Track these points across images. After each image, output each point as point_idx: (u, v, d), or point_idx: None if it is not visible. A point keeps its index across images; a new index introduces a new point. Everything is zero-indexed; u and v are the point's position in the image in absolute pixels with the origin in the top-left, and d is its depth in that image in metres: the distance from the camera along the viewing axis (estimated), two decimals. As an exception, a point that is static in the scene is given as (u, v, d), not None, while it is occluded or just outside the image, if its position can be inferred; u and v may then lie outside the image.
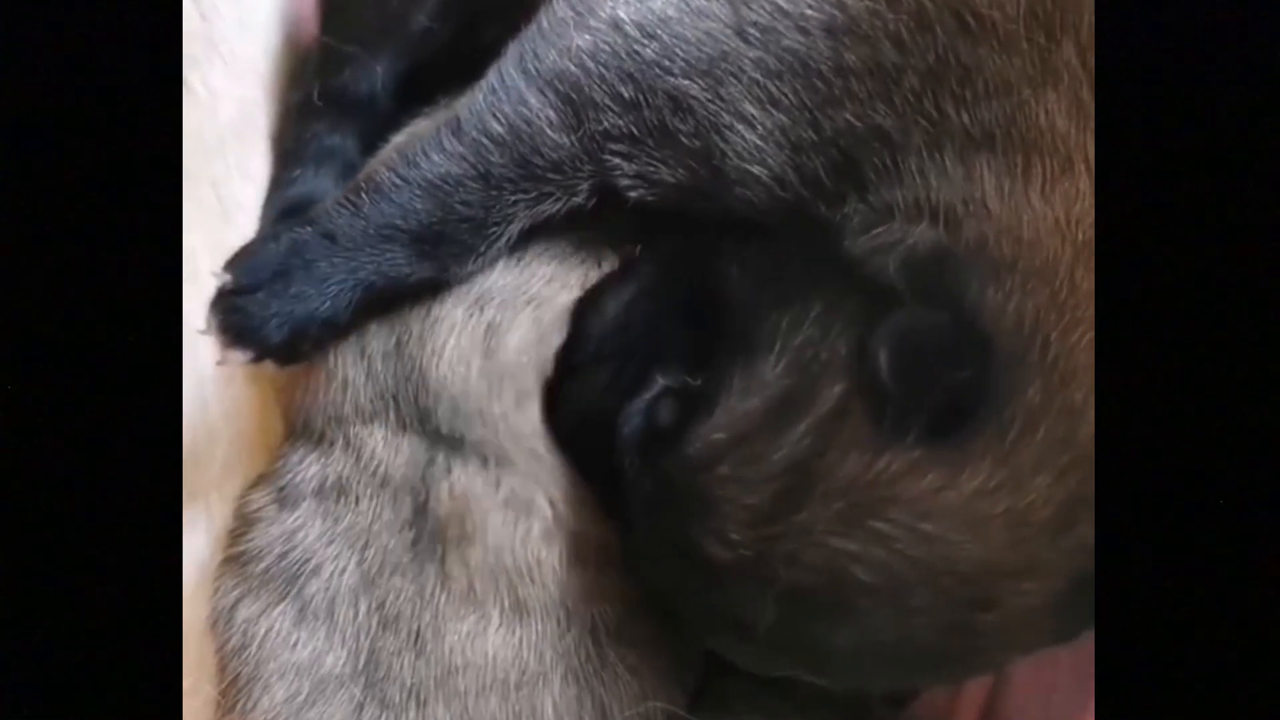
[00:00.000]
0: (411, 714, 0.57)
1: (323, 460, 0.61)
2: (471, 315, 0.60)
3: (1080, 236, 0.49)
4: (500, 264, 0.60)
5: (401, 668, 0.58)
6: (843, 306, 0.53)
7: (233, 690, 0.59)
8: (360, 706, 0.58)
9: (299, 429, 0.63)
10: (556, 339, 0.60)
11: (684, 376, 0.57)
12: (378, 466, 0.60)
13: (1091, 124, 0.50)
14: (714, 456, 0.54)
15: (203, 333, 0.58)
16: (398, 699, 0.58)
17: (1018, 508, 0.49)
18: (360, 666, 0.58)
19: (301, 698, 0.58)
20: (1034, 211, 0.50)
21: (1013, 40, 0.51)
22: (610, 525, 0.60)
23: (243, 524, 0.62)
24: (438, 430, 0.59)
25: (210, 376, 0.64)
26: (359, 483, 0.60)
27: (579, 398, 0.60)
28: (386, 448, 0.60)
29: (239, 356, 0.58)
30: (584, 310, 0.60)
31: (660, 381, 0.57)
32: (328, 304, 0.58)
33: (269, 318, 0.58)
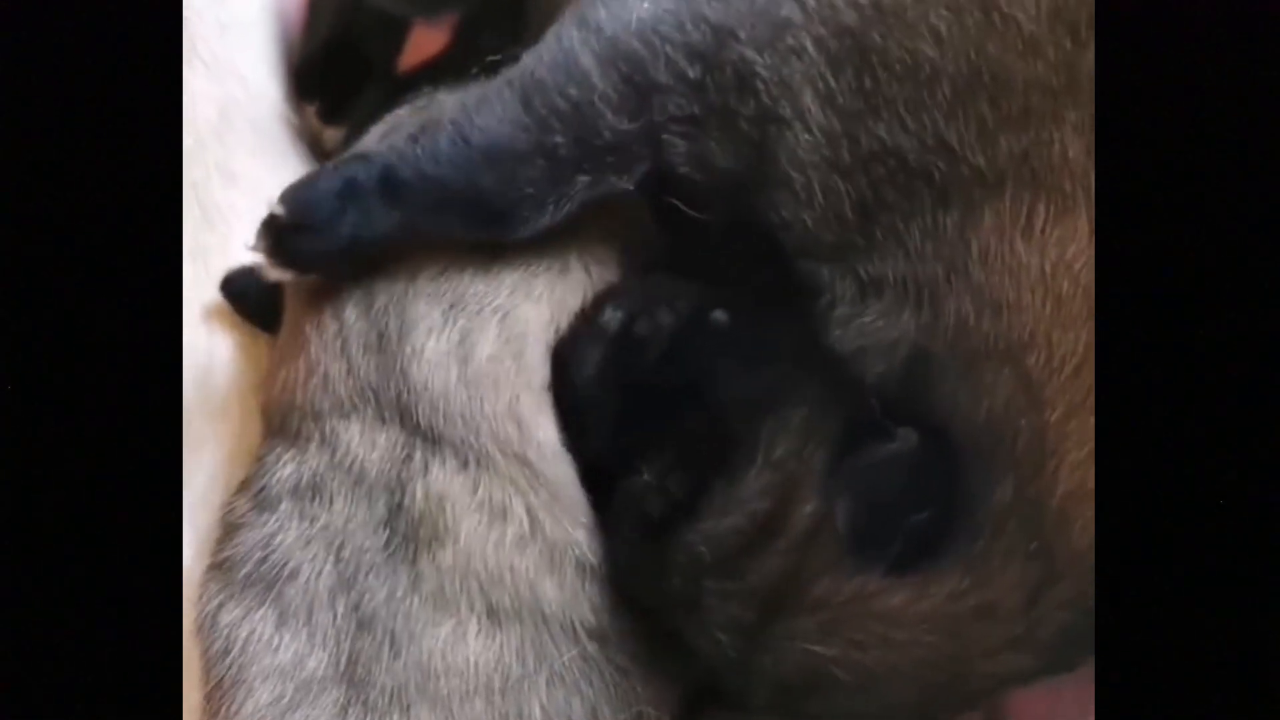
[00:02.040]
0: (395, 718, 0.57)
1: (298, 459, 0.61)
2: (447, 321, 0.60)
3: (1066, 285, 0.49)
4: (471, 268, 0.61)
5: (380, 670, 0.57)
6: (824, 421, 0.53)
7: (217, 694, 0.59)
8: (344, 709, 0.57)
9: (276, 426, 0.63)
10: (533, 352, 0.60)
11: (665, 479, 0.56)
12: (353, 463, 0.59)
13: None
14: (699, 569, 0.54)
15: (251, 248, 0.59)
16: (380, 702, 0.57)
17: (986, 601, 0.50)
18: (342, 669, 0.58)
19: (285, 700, 0.58)
20: (1022, 267, 0.50)
21: (1038, 44, 0.50)
22: (588, 537, 0.59)
23: (226, 530, 0.62)
24: (417, 427, 0.59)
25: (195, 382, 0.64)
26: (334, 480, 0.59)
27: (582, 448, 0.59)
28: (363, 443, 0.59)
29: (283, 274, 0.60)
30: (562, 359, 0.60)
31: (644, 476, 0.56)
32: (376, 239, 0.59)
33: (317, 248, 0.59)
